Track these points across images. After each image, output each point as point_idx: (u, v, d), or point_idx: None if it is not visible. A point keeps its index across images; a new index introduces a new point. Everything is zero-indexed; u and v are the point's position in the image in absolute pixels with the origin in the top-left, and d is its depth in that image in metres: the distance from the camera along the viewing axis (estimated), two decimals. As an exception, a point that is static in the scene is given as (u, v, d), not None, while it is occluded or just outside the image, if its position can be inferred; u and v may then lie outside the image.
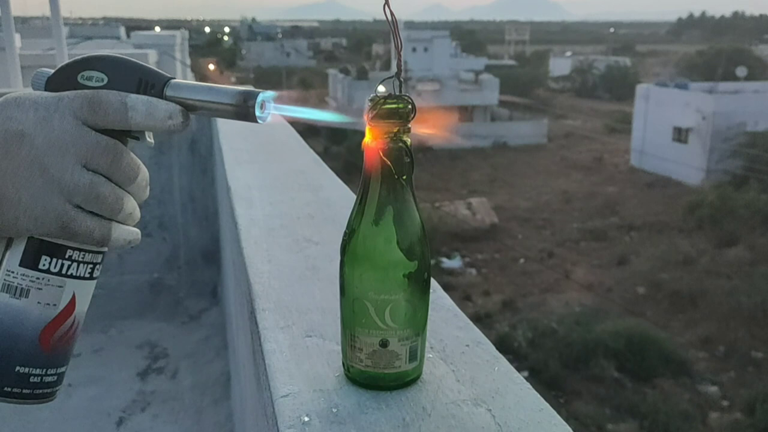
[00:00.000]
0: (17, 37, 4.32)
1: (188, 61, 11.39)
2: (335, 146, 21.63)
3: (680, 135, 22.13)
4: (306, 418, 0.57)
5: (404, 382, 0.62)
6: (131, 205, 0.49)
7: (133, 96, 0.48)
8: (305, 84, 38.43)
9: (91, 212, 0.46)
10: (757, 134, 20.20)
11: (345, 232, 0.60)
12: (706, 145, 20.85)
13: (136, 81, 0.49)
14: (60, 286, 0.48)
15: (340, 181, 1.47)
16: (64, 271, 0.48)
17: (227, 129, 2.21)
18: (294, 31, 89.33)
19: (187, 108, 0.49)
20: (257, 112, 0.48)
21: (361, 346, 0.60)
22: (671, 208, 18.61)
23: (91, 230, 0.47)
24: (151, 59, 6.71)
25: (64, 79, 0.49)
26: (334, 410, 0.58)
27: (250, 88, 0.49)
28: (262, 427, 0.75)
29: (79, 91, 0.47)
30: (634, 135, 24.50)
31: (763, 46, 56.50)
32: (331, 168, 1.61)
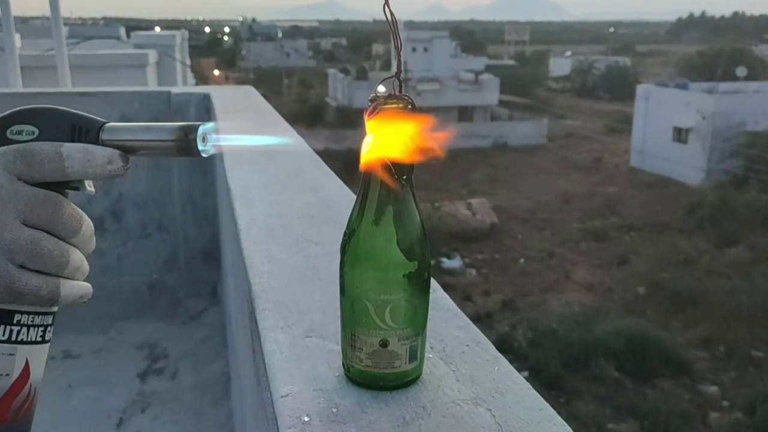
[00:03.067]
0: (17, 37, 4.32)
1: (188, 62, 11.38)
2: (335, 146, 21.61)
3: (680, 135, 22.14)
4: (306, 418, 0.57)
5: (404, 381, 0.62)
6: (78, 258, 0.47)
7: (68, 145, 0.46)
8: (305, 84, 38.44)
9: (35, 270, 0.44)
10: (757, 134, 20.21)
11: (345, 232, 0.60)
12: (706, 145, 20.85)
13: (69, 129, 0.47)
14: (11, 354, 0.45)
15: (340, 181, 1.47)
16: (13, 338, 0.45)
17: (227, 129, 2.20)
18: (294, 32, 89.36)
19: (127, 150, 0.47)
20: (199, 146, 0.46)
21: (361, 346, 0.60)
22: (671, 208, 18.61)
23: (38, 289, 0.44)
24: (151, 59, 6.71)
25: None
26: (334, 410, 0.58)
27: (189, 123, 0.48)
28: (262, 427, 0.75)
29: (10, 146, 0.45)
30: (634, 135, 24.51)
31: (763, 46, 56.49)
32: (331, 168, 1.60)
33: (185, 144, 0.46)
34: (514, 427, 0.56)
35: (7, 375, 0.45)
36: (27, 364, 0.47)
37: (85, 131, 0.47)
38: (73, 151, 0.46)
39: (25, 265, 0.44)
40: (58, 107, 0.48)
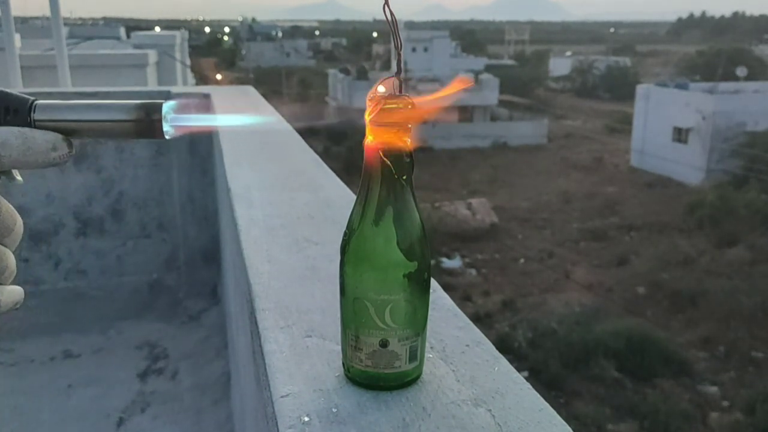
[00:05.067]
0: (17, 37, 4.32)
1: (188, 62, 11.39)
2: (335, 146, 21.64)
3: (680, 135, 22.14)
4: (306, 418, 0.57)
5: (404, 382, 0.62)
6: (12, 261, 0.42)
7: (2, 129, 0.40)
8: (305, 84, 38.44)
9: None
10: (757, 134, 20.21)
11: (345, 232, 0.60)
12: (706, 145, 20.85)
13: None
14: None
15: (340, 181, 1.47)
16: None
17: (228, 129, 2.21)
18: (294, 32, 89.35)
19: (68, 133, 0.42)
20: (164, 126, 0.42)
21: (361, 346, 0.60)
22: (671, 208, 18.61)
23: None
24: (150, 59, 6.71)
25: None
26: (334, 410, 0.58)
27: (149, 101, 0.43)
28: (262, 427, 0.74)
29: None
30: (634, 135, 24.51)
31: (763, 46, 56.49)
32: (331, 168, 1.60)
33: (147, 125, 0.42)
34: (514, 428, 0.56)
35: None
36: None
37: (12, 111, 0.41)
38: (9, 136, 0.40)
39: None
40: None
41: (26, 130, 0.40)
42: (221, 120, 0.46)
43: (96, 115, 0.42)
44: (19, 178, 0.43)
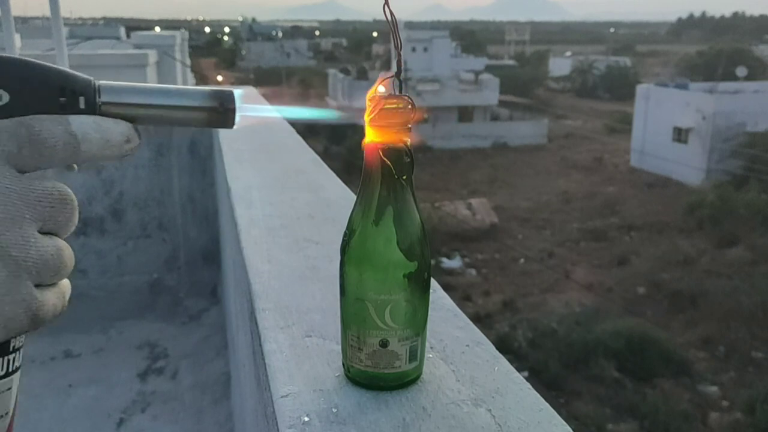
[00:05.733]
0: (17, 37, 4.32)
1: (188, 62, 11.38)
2: (335, 146, 21.64)
3: (680, 135, 22.14)
4: (306, 418, 0.57)
5: (404, 382, 0.62)
6: (71, 257, 0.37)
7: (77, 119, 0.35)
8: (305, 84, 38.45)
9: (49, 285, 0.35)
10: (757, 134, 20.21)
11: (345, 232, 0.60)
12: (706, 145, 20.85)
13: (54, 93, 0.35)
14: (9, 389, 0.36)
15: (340, 181, 1.47)
16: (10, 369, 0.36)
17: (228, 129, 2.20)
18: (294, 32, 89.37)
19: (135, 120, 0.37)
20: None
21: (361, 346, 0.60)
22: (671, 208, 18.61)
23: (55, 307, 0.35)
24: (151, 59, 6.71)
25: None
26: (334, 410, 0.58)
27: (217, 88, 0.40)
28: (262, 427, 0.75)
29: (3, 125, 0.33)
30: (634, 135, 24.51)
31: (763, 46, 56.48)
32: (331, 168, 1.61)
33: (222, 113, 0.39)
34: (514, 428, 0.56)
35: (6, 413, 0.37)
36: (16, 395, 0.38)
37: (78, 96, 0.36)
38: (88, 128, 0.35)
39: (45, 282, 0.35)
40: (28, 59, 0.35)
41: (100, 119, 0.36)
42: (286, 111, 0.45)
43: (167, 100, 0.38)
44: (75, 166, 0.39)
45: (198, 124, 0.39)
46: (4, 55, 0.34)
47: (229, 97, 0.39)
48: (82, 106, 0.36)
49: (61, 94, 0.35)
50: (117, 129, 0.37)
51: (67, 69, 0.35)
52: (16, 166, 0.33)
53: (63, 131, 0.34)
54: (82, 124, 0.35)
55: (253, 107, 0.41)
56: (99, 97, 0.36)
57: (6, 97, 0.33)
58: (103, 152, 0.36)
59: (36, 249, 0.33)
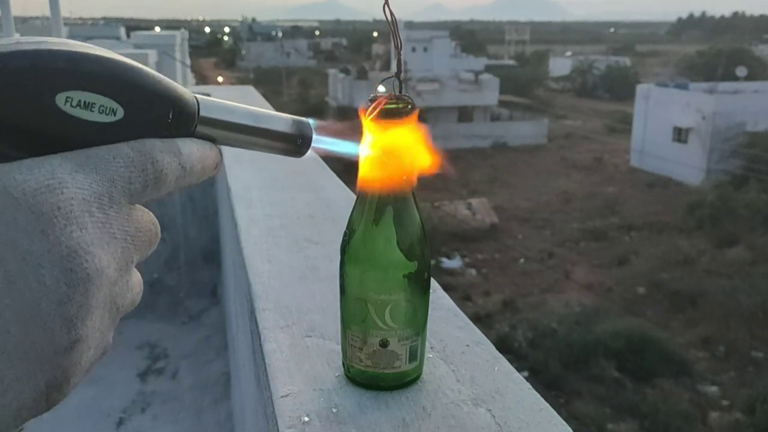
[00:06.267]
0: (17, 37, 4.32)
1: (188, 62, 11.39)
2: (335, 146, 21.60)
3: (680, 135, 22.14)
4: (306, 418, 0.57)
5: (404, 382, 0.62)
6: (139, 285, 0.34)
7: (186, 149, 0.32)
8: (305, 84, 38.45)
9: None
10: (757, 134, 20.21)
11: (345, 232, 0.60)
12: (706, 145, 20.85)
13: (168, 110, 0.31)
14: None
15: (340, 181, 1.47)
16: None
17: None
18: (294, 32, 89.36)
19: (218, 141, 0.34)
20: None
21: (361, 346, 0.60)
22: (671, 208, 18.61)
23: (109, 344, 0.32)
24: (151, 59, 6.71)
25: (17, 91, 0.26)
26: (334, 410, 0.58)
27: (295, 117, 0.38)
28: (262, 427, 0.74)
29: (130, 159, 0.29)
30: (634, 135, 24.51)
31: (763, 46, 56.48)
32: (332, 168, 1.61)
33: (301, 142, 0.37)
34: (514, 428, 0.56)
35: None
36: None
37: (184, 119, 0.32)
38: (194, 159, 0.32)
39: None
40: (138, 65, 0.30)
41: (201, 145, 0.33)
42: (350, 147, 0.44)
43: (256, 123, 0.35)
44: None
45: (274, 150, 0.37)
46: (116, 58, 0.29)
47: (308, 128, 0.37)
48: (188, 128, 0.32)
49: (172, 112, 0.31)
50: (212, 155, 0.34)
51: (169, 81, 0.31)
52: (129, 199, 0.30)
53: (177, 165, 0.31)
54: (190, 154, 0.32)
55: (322, 140, 0.39)
56: (198, 115, 0.33)
57: (120, 113, 0.29)
58: (192, 180, 0.33)
59: (131, 294, 0.31)
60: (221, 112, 0.34)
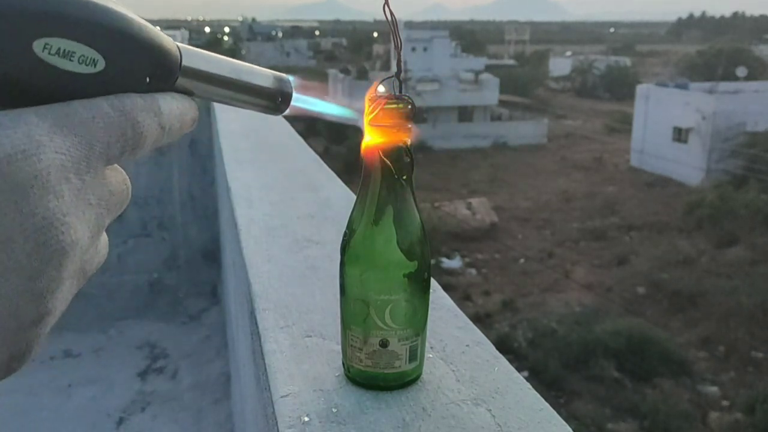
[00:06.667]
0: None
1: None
2: (335, 146, 21.64)
3: (680, 135, 22.15)
4: (306, 418, 0.57)
5: (404, 382, 0.62)
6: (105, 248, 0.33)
7: (166, 106, 0.30)
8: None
9: None
10: (757, 134, 20.22)
11: (345, 232, 0.60)
12: (706, 145, 20.86)
13: (150, 61, 0.28)
14: None
15: (340, 181, 1.47)
16: None
17: (227, 129, 2.21)
18: (294, 32, 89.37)
19: (197, 95, 0.32)
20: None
21: (361, 346, 0.60)
22: (671, 208, 18.62)
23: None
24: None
25: None
26: (334, 410, 0.58)
27: (278, 73, 0.36)
28: (262, 427, 0.74)
29: (110, 119, 0.27)
30: (634, 135, 24.52)
31: (763, 46, 56.51)
32: (331, 168, 1.60)
33: (282, 97, 0.36)
34: (514, 428, 0.56)
35: None
36: None
37: (166, 71, 0.29)
38: (173, 118, 0.30)
39: None
40: (120, 11, 0.27)
41: (181, 100, 0.31)
42: (327, 107, 0.42)
43: (240, 77, 0.33)
44: None
45: (253, 107, 0.35)
46: (99, 2, 0.26)
47: (288, 85, 0.36)
48: (169, 80, 0.30)
49: (155, 64, 0.28)
50: (191, 112, 0.31)
51: (145, 24, 0.28)
52: (105, 162, 0.28)
53: (157, 126, 0.29)
54: (170, 113, 0.30)
55: (306, 98, 0.38)
56: (181, 66, 0.30)
57: (101, 64, 0.26)
58: (170, 141, 0.31)
59: (98, 257, 0.30)
60: (205, 63, 0.31)
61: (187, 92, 0.31)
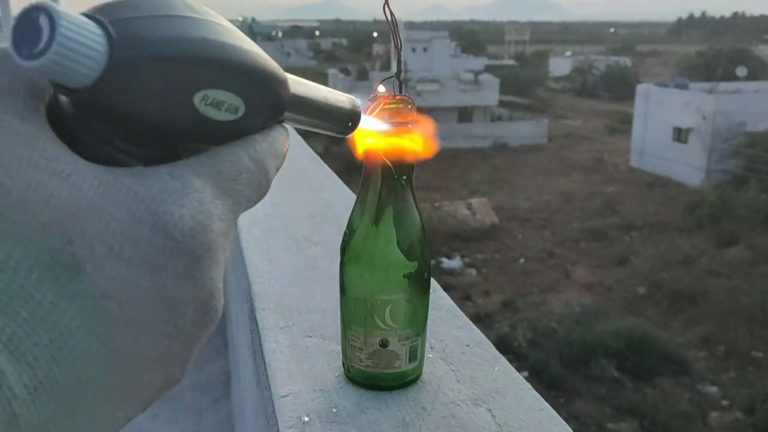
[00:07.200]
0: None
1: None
2: (335, 146, 21.65)
3: (680, 135, 22.14)
4: (306, 418, 0.57)
5: (404, 382, 0.62)
6: None
7: (279, 145, 0.29)
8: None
9: None
10: (757, 134, 20.21)
11: (345, 233, 0.60)
12: (706, 145, 20.85)
13: (270, 105, 0.27)
14: None
15: (340, 182, 1.47)
16: None
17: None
18: (294, 32, 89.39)
19: (287, 121, 0.30)
20: None
21: (361, 346, 0.60)
22: (671, 208, 18.61)
23: None
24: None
25: (158, 85, 0.23)
26: (334, 410, 0.58)
27: (350, 95, 0.36)
28: (262, 427, 0.75)
29: (249, 170, 0.26)
30: (634, 135, 24.51)
31: (763, 46, 56.51)
32: (332, 168, 1.60)
33: (352, 125, 0.35)
34: (514, 428, 0.56)
35: None
36: None
37: (281, 106, 0.28)
38: (282, 152, 0.29)
39: None
40: (253, 50, 0.25)
41: (283, 129, 0.29)
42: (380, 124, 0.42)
43: (330, 103, 0.32)
44: None
45: (328, 131, 0.34)
46: (247, 45, 0.25)
47: (359, 106, 0.35)
48: (281, 115, 0.28)
49: (272, 108, 0.27)
50: (287, 141, 0.29)
51: (268, 60, 0.26)
52: (237, 214, 0.27)
53: (275, 168, 0.28)
54: (281, 151, 0.29)
55: (366, 118, 0.37)
56: (288, 95, 0.28)
57: (242, 110, 0.25)
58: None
59: None
60: (305, 90, 0.30)
61: (283, 120, 0.29)
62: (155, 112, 0.23)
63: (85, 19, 0.21)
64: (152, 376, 0.24)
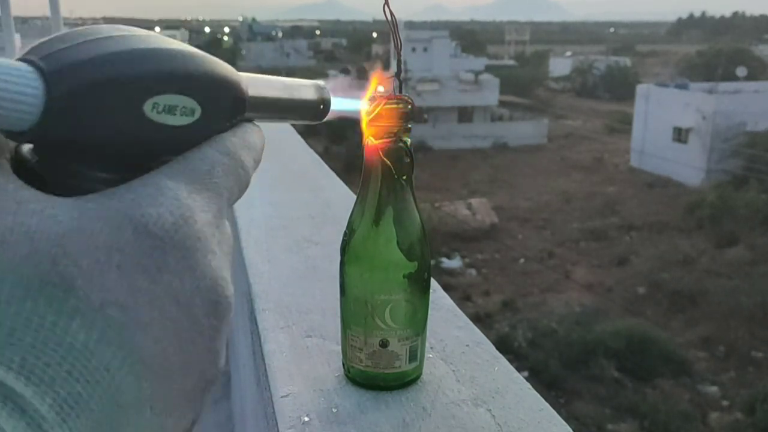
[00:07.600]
0: (17, 37, 4.32)
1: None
2: (335, 146, 21.64)
3: (680, 135, 22.14)
4: (306, 418, 0.57)
5: (404, 382, 0.62)
6: None
7: (251, 139, 0.30)
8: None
9: None
10: (757, 134, 20.21)
11: (345, 233, 0.60)
12: (706, 145, 20.85)
13: (229, 105, 0.28)
14: None
15: (340, 182, 1.47)
16: None
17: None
18: (294, 32, 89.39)
19: (255, 119, 0.31)
20: None
21: (361, 347, 0.60)
22: (671, 208, 18.61)
23: None
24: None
25: (103, 104, 0.23)
26: (334, 410, 0.58)
27: (316, 82, 0.36)
28: (262, 427, 0.75)
29: (221, 163, 0.27)
30: (634, 135, 24.51)
31: (763, 46, 56.51)
32: (331, 168, 1.60)
33: (323, 109, 0.35)
34: (514, 428, 0.56)
35: None
36: None
37: (241, 106, 0.29)
38: (258, 147, 0.30)
39: None
40: (203, 55, 0.27)
41: (255, 127, 0.30)
42: (359, 104, 0.43)
43: (292, 95, 0.33)
44: None
45: (301, 120, 0.35)
46: (184, 49, 0.26)
47: (327, 92, 0.36)
48: (243, 114, 0.29)
49: (233, 106, 0.28)
50: (262, 139, 0.30)
51: (220, 63, 0.27)
52: (227, 212, 0.28)
53: (252, 160, 0.29)
54: (255, 144, 0.30)
55: (337, 99, 0.37)
56: (248, 96, 0.29)
57: (198, 112, 0.26)
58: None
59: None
60: (265, 88, 0.31)
61: (250, 119, 0.30)
62: (110, 132, 0.24)
63: (15, 62, 0.22)
64: (185, 376, 0.24)
